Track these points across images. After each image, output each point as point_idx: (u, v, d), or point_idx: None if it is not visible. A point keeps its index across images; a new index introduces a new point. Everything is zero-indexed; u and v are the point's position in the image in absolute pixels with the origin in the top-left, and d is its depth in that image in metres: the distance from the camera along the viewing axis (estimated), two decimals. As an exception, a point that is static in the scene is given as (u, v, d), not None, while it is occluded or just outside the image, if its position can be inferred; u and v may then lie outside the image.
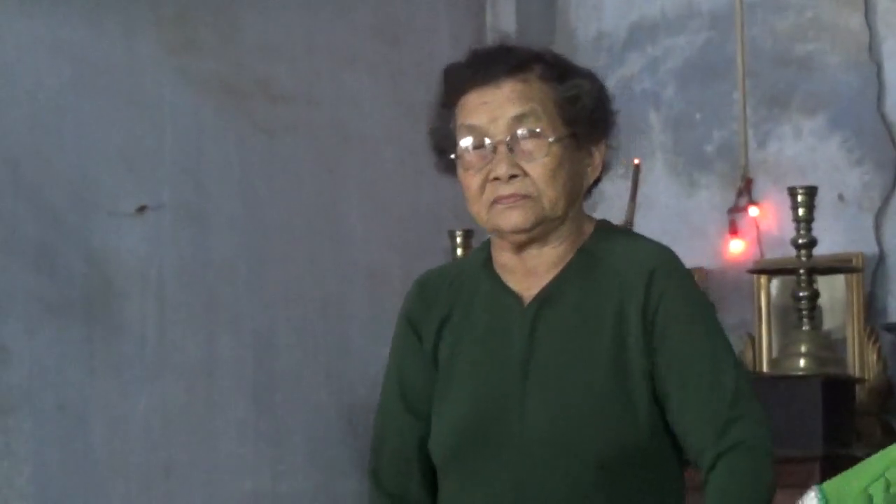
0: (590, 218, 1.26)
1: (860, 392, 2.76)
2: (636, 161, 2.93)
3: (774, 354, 2.86)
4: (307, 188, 3.13)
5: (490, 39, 3.21)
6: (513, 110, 1.18)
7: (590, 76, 1.24)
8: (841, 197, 2.93)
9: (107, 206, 2.80)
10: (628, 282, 1.20)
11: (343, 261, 3.13)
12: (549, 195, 1.17)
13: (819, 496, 1.03)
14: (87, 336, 2.73)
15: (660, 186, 3.22)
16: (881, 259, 2.92)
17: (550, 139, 1.15)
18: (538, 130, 1.17)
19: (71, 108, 2.80)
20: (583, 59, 2.64)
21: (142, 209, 2.82)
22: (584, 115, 1.19)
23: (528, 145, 1.17)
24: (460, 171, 1.20)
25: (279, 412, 2.99)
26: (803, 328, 2.72)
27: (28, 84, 2.77)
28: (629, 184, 2.83)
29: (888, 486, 1.01)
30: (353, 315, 3.07)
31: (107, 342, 2.77)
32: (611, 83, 3.15)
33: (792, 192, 2.68)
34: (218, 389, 2.93)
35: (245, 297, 2.96)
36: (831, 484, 1.07)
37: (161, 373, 2.83)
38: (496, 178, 1.16)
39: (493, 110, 1.18)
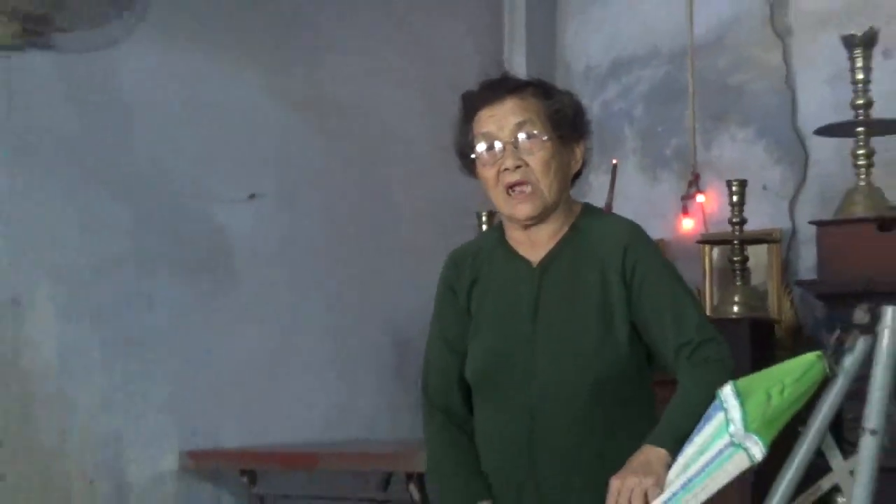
0: (576, 202, 1.44)
1: (778, 331, 3.08)
2: (614, 161, 3.32)
3: (715, 303, 3.19)
4: (367, 181, 3.49)
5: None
6: (514, 119, 1.33)
7: (569, 94, 1.43)
8: (765, 187, 3.30)
9: (225, 195, 3.19)
10: (607, 253, 1.37)
11: (394, 236, 3.50)
12: (545, 182, 1.33)
13: (733, 388, 1.25)
14: (211, 291, 3.12)
15: (631, 180, 3.61)
16: (794, 233, 3.29)
17: (544, 138, 1.32)
18: (534, 133, 1.32)
19: (195, 121, 3.10)
20: (575, 86, 3.31)
21: (251, 197, 3.17)
22: (567, 122, 1.37)
23: (527, 144, 1.32)
24: (479, 167, 1.35)
25: (351, 352, 3.39)
26: (737, 283, 3.05)
27: (158, 104, 3.06)
28: (609, 178, 3.28)
29: (783, 389, 1.25)
30: (402, 276, 3.44)
31: (225, 295, 3.15)
32: (596, 105, 3.29)
33: (729, 184, 3.04)
34: (305, 334, 3.32)
35: (324, 263, 3.33)
36: (742, 381, 1.27)
37: (264, 320, 3.20)
38: (506, 169, 1.32)
39: (500, 120, 1.33)
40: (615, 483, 1.24)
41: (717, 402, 1.31)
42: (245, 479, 3.04)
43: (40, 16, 2.82)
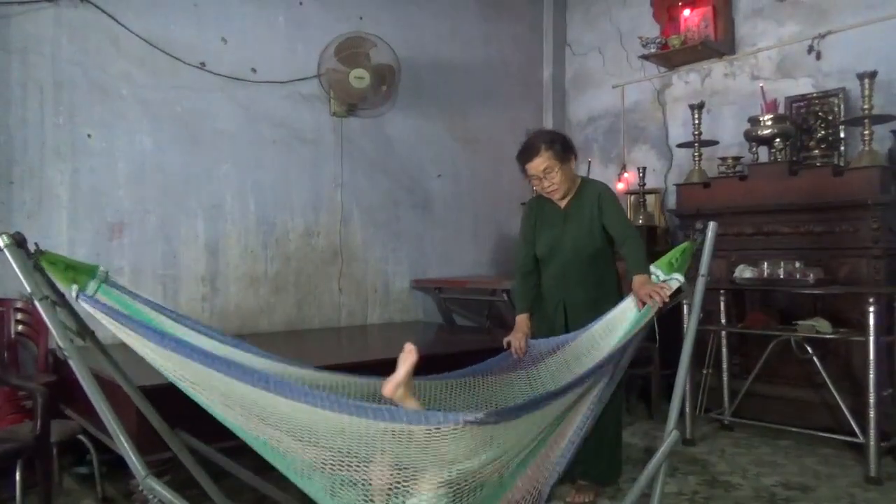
0: (579, 176, 2.60)
1: (658, 231, 4.58)
2: (589, 160, 5.06)
3: (632, 219, 4.57)
4: (489, 170, 5.22)
5: (543, 124, 5.54)
6: (541, 166, 2.50)
7: (562, 136, 2.50)
8: (652, 171, 4.88)
9: (430, 174, 4.98)
10: (591, 198, 2.49)
11: (498, 194, 5.30)
12: (560, 185, 2.50)
13: (655, 263, 2.00)
14: (422, 214, 4.87)
15: (597, 167, 5.27)
16: (666, 190, 4.86)
17: (555, 170, 2.47)
18: (550, 170, 2.48)
19: (418, 144, 4.81)
20: (573, 128, 5.54)
21: (439, 176, 5.02)
22: (561, 152, 2.48)
23: (549, 174, 2.49)
24: (532, 182, 2.54)
25: (478, 240, 5.23)
26: (641, 211, 4.64)
27: (403, 138, 4.70)
28: (587, 167, 4.98)
29: (677, 256, 1.92)
30: (500, 210, 5.26)
31: (428, 216, 4.93)
32: (582, 136, 5.51)
33: (639, 170, 4.66)
34: (461, 233, 5.14)
35: (469, 204, 5.18)
36: (658, 260, 1.96)
37: (444, 227, 4.99)
38: (545, 186, 2.50)
39: (534, 169, 2.51)
40: (640, 292, 1.91)
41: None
42: (437, 291, 4.75)
43: (354, 104, 4.58)
